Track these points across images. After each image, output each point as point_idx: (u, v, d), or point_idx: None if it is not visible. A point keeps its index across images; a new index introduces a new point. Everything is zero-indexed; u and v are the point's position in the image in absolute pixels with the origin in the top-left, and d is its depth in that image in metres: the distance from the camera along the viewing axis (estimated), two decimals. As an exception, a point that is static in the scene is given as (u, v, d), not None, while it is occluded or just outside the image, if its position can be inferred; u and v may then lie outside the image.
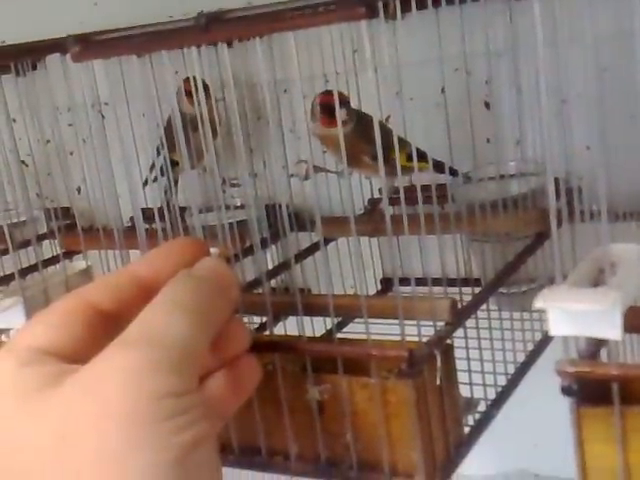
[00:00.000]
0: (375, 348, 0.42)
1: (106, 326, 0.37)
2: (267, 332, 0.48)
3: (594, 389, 0.36)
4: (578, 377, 0.36)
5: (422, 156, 0.58)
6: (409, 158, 0.57)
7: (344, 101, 0.63)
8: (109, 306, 0.38)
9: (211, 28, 0.37)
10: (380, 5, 0.35)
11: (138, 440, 0.31)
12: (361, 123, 0.64)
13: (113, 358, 0.33)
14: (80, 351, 0.36)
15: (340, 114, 0.59)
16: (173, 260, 0.40)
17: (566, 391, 0.36)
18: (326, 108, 0.63)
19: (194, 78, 0.53)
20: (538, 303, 0.35)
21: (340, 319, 0.57)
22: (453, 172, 0.64)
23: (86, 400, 0.32)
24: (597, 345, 0.38)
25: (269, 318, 0.47)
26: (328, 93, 0.64)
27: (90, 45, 0.40)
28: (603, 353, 0.39)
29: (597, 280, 0.38)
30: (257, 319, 0.54)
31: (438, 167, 0.63)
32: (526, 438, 0.78)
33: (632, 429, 0.36)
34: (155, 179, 0.70)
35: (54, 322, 0.36)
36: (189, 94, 0.58)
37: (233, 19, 0.38)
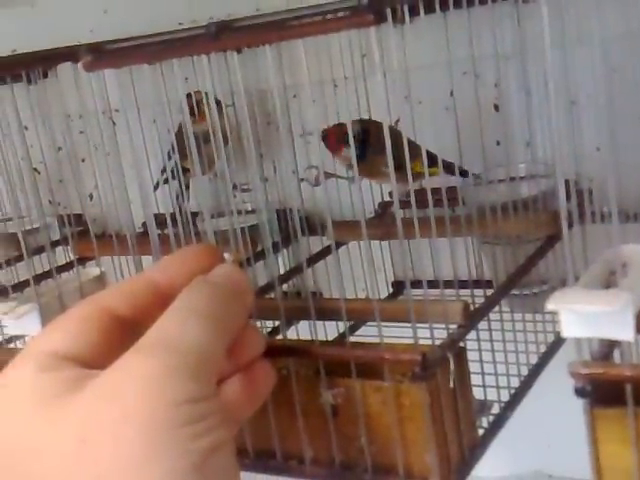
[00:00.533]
0: (388, 352, 0.42)
1: (122, 332, 0.38)
2: (280, 336, 0.48)
3: (607, 390, 0.37)
4: (591, 378, 0.36)
5: (433, 160, 0.59)
6: (422, 164, 0.57)
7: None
8: (125, 312, 0.38)
9: (221, 36, 0.37)
10: (388, 11, 0.35)
11: (157, 446, 0.31)
12: (375, 137, 0.63)
13: (131, 365, 0.33)
14: (97, 357, 0.36)
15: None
16: (188, 267, 0.41)
17: (580, 392, 0.36)
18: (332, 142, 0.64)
19: (198, 93, 0.53)
20: (550, 305, 0.36)
21: (352, 323, 0.57)
22: (463, 173, 0.64)
23: (105, 406, 0.32)
24: (610, 346, 0.38)
25: (282, 322, 0.47)
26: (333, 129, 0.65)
27: (102, 55, 0.40)
28: (616, 355, 0.39)
29: (609, 282, 0.38)
30: (269, 323, 0.55)
31: (448, 169, 0.63)
32: (540, 439, 0.78)
33: (646, 430, 0.36)
34: (166, 181, 0.71)
35: (71, 328, 0.37)
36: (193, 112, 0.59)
37: (243, 27, 0.38)
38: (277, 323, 0.50)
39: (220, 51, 0.39)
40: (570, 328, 0.36)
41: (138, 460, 0.31)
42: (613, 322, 0.34)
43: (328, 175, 0.68)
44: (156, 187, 0.72)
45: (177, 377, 0.33)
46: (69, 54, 0.47)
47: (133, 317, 0.39)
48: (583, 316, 0.35)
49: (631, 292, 0.35)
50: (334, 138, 0.64)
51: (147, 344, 0.35)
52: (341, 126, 0.65)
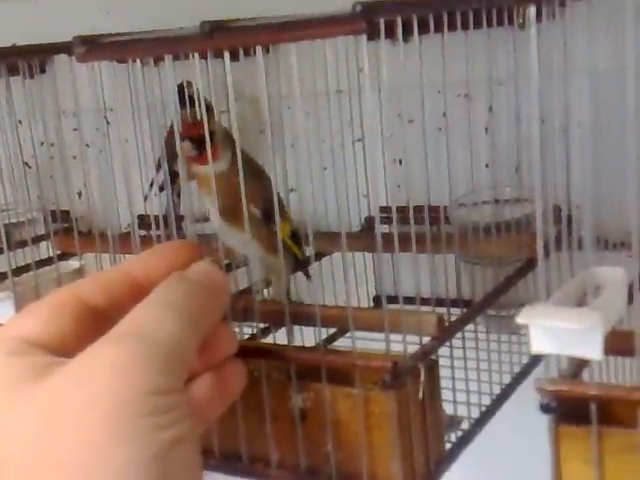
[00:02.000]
0: (359, 358, 0.42)
1: (96, 322, 0.38)
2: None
3: (573, 408, 0.37)
4: (557, 395, 0.36)
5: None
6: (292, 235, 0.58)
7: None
8: (100, 302, 0.39)
9: (215, 36, 0.38)
10: (381, 22, 0.36)
11: (120, 434, 0.31)
12: (248, 162, 0.54)
13: (101, 352, 0.34)
14: (68, 345, 0.36)
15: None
16: (167, 262, 0.41)
17: (545, 409, 0.37)
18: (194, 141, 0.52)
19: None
20: (520, 319, 0.36)
21: (331, 333, 0.57)
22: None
23: (71, 391, 0.32)
24: (579, 366, 0.38)
25: (257, 324, 0.47)
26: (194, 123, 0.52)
27: (95, 46, 0.41)
28: (586, 375, 0.39)
29: (581, 301, 0.38)
30: (248, 330, 0.55)
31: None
32: (512, 465, 0.78)
33: (609, 450, 0.37)
34: (161, 188, 0.71)
35: (44, 314, 0.37)
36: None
37: (237, 28, 0.39)
38: (255, 330, 0.50)
39: (214, 51, 0.39)
40: (539, 343, 0.36)
41: (100, 447, 0.31)
42: (581, 340, 0.35)
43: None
44: (145, 198, 0.72)
45: (146, 367, 0.33)
46: (64, 47, 0.47)
47: (108, 308, 0.39)
48: (552, 332, 0.35)
49: (601, 311, 0.35)
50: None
51: (118, 333, 0.35)
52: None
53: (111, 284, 0.39)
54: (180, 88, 0.52)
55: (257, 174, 0.54)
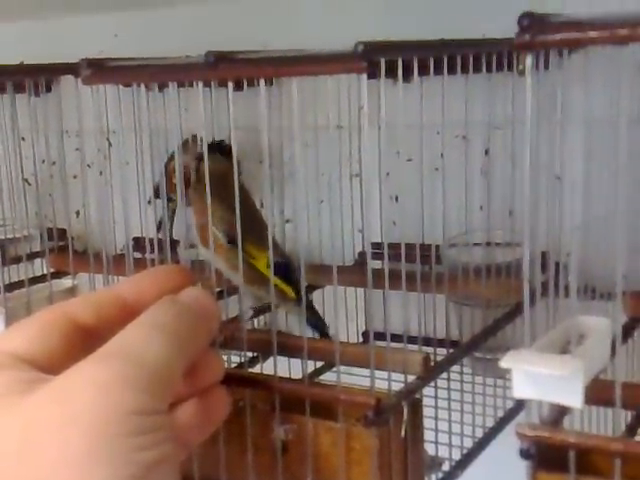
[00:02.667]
0: (343, 393, 0.42)
1: (84, 341, 0.38)
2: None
3: (552, 456, 0.37)
4: (537, 441, 0.36)
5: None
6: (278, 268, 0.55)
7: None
8: (89, 322, 0.39)
9: (219, 66, 0.38)
10: (382, 62, 0.37)
11: (99, 452, 0.31)
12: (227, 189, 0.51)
13: (86, 370, 0.34)
14: (55, 362, 0.36)
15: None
16: (158, 285, 0.41)
17: (524, 454, 0.37)
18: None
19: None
20: (504, 363, 0.36)
21: (319, 366, 0.58)
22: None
23: (53, 407, 0.32)
24: (560, 413, 0.39)
25: (244, 353, 0.48)
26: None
27: (101, 70, 0.42)
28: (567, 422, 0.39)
29: (565, 349, 0.39)
30: (236, 359, 0.55)
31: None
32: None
33: (586, 499, 0.37)
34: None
35: (32, 331, 0.37)
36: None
37: (241, 60, 0.39)
38: (242, 360, 0.50)
39: (217, 79, 0.40)
40: (520, 388, 0.36)
41: (79, 464, 0.31)
42: (562, 387, 0.35)
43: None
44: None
45: (130, 387, 0.33)
46: (70, 68, 0.48)
47: (97, 328, 0.39)
48: (533, 377, 0.36)
49: (583, 359, 0.35)
50: None
51: (104, 352, 0.35)
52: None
53: (102, 304, 0.40)
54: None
55: (224, 197, 0.51)
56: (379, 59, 0.37)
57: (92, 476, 0.31)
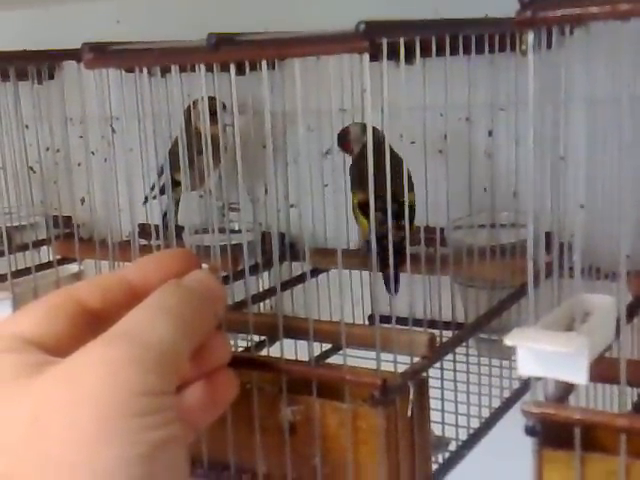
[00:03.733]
0: (350, 373, 0.42)
1: (91, 324, 0.38)
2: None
3: (558, 432, 0.37)
4: (542, 418, 0.37)
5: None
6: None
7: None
8: (96, 305, 0.39)
9: (221, 48, 0.38)
10: (384, 42, 0.37)
11: (108, 432, 0.32)
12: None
13: (94, 352, 0.34)
14: (62, 345, 0.36)
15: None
16: (164, 269, 0.41)
17: (529, 431, 0.37)
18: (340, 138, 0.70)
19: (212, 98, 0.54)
20: (508, 341, 0.36)
21: (326, 349, 0.58)
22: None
23: (62, 388, 0.32)
24: (566, 391, 0.39)
25: (251, 336, 0.48)
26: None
27: (103, 54, 0.42)
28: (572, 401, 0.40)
29: (569, 327, 0.39)
30: (242, 343, 0.55)
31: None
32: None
33: (592, 475, 0.37)
34: (155, 197, 0.72)
35: (39, 314, 0.37)
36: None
37: (243, 42, 0.39)
38: (249, 344, 0.51)
39: (219, 62, 0.40)
40: (525, 366, 0.36)
41: (88, 443, 0.31)
42: (567, 364, 0.35)
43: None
44: (145, 201, 0.73)
45: (137, 368, 0.34)
46: (73, 53, 0.48)
47: (103, 311, 0.39)
48: (538, 355, 0.36)
49: (588, 336, 0.36)
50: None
51: (111, 335, 0.35)
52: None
53: (108, 288, 0.40)
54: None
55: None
56: (381, 38, 0.36)
57: (101, 456, 0.31)
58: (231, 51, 0.39)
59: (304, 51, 0.37)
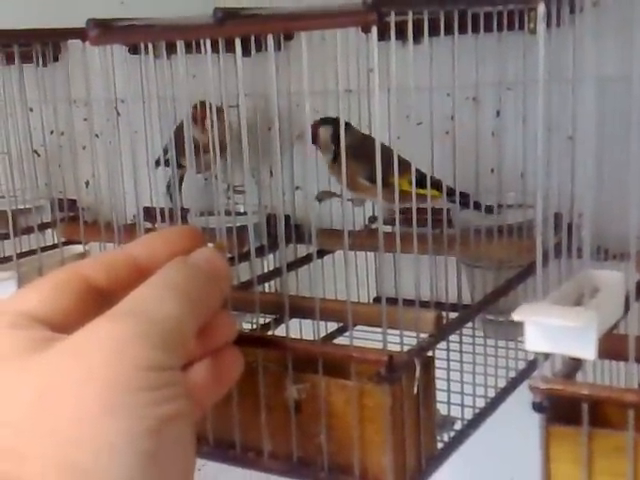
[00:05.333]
0: (356, 350, 0.42)
1: (97, 301, 0.38)
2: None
3: (565, 408, 0.37)
4: (550, 394, 0.36)
5: (435, 184, 0.58)
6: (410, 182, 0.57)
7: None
8: (102, 282, 0.39)
9: (226, 23, 0.38)
10: (392, 15, 0.36)
11: (115, 406, 0.32)
12: (361, 144, 0.64)
13: (101, 327, 0.34)
14: (69, 322, 0.36)
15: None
16: (170, 246, 0.41)
17: (537, 407, 0.37)
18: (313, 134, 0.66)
19: (203, 104, 0.54)
20: (516, 316, 0.36)
21: (332, 331, 0.58)
22: (477, 206, 0.62)
23: (68, 364, 0.32)
24: (573, 368, 0.39)
25: (257, 314, 0.48)
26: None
27: (108, 30, 0.41)
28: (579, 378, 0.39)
29: (578, 302, 0.39)
30: (247, 326, 0.55)
31: (462, 199, 0.60)
32: (503, 471, 0.78)
33: (599, 451, 0.37)
34: (167, 163, 0.71)
35: (46, 291, 0.37)
36: (198, 121, 0.60)
37: (248, 16, 0.39)
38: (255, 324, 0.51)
39: (224, 37, 0.39)
40: (533, 341, 0.36)
41: (95, 417, 0.31)
42: (576, 339, 0.35)
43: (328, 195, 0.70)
44: (157, 163, 0.72)
45: (143, 343, 0.33)
46: (78, 32, 0.47)
47: (109, 288, 0.39)
48: (546, 330, 0.35)
49: (597, 312, 0.35)
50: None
51: (118, 311, 0.35)
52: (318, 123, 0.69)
53: (114, 265, 0.40)
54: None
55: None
56: (389, 11, 0.36)
57: (107, 430, 0.31)
58: (237, 25, 0.39)
59: (311, 25, 0.37)
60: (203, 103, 0.60)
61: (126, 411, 0.32)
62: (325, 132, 0.69)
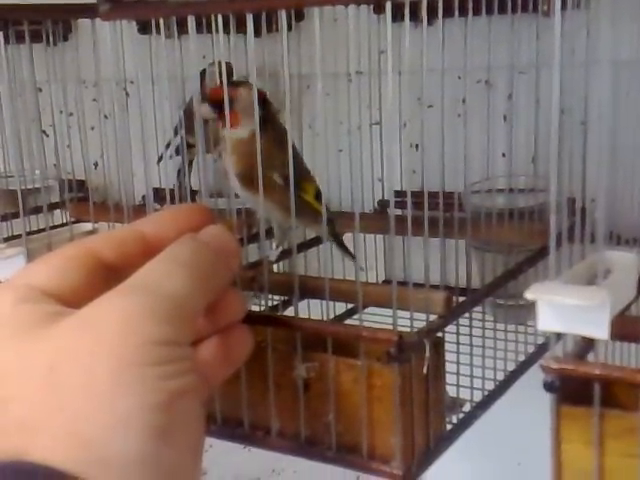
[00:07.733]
0: (365, 330, 0.42)
1: (106, 277, 0.38)
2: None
3: (576, 389, 0.37)
4: (561, 374, 0.36)
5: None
6: (317, 196, 0.57)
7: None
8: (111, 258, 0.39)
9: (238, -2, 0.38)
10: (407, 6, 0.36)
11: (125, 381, 0.31)
12: (275, 129, 0.55)
13: (109, 302, 0.34)
14: (78, 297, 0.36)
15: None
16: (179, 223, 0.41)
17: (548, 387, 0.37)
18: (216, 104, 0.51)
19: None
20: (529, 295, 0.36)
21: (341, 313, 0.57)
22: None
23: (79, 338, 0.32)
24: (585, 348, 0.38)
25: (265, 293, 0.47)
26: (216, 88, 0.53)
27: (119, 5, 0.41)
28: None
29: (591, 282, 0.38)
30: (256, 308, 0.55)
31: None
32: (510, 457, 0.78)
33: (610, 432, 0.36)
34: (170, 157, 0.71)
35: (55, 265, 0.37)
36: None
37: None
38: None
39: (236, 12, 0.39)
40: (545, 321, 0.36)
41: (104, 392, 0.31)
42: (588, 318, 0.35)
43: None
44: (160, 159, 0.72)
45: (153, 318, 0.33)
46: (88, 8, 0.47)
47: (119, 264, 0.39)
48: (560, 309, 0.35)
49: (610, 291, 0.35)
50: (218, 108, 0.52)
51: (127, 286, 0.35)
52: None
53: (123, 241, 0.40)
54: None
55: (281, 141, 0.51)
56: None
57: (117, 404, 0.31)
58: (248, 1, 0.38)
59: (323, 0, 0.37)
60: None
61: (136, 385, 0.32)
62: (247, 93, 0.52)
